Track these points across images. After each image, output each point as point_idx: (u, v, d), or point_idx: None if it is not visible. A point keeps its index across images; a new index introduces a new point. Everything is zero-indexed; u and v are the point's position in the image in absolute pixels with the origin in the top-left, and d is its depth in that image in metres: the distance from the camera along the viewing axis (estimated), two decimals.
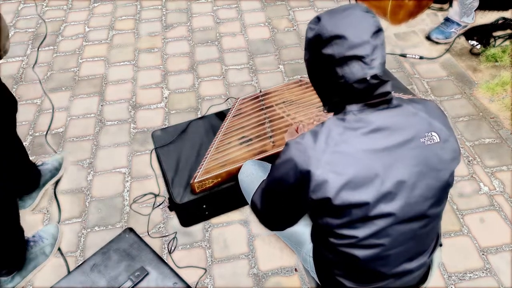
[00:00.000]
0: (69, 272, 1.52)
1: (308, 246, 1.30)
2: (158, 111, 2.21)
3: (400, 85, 2.08)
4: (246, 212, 1.77)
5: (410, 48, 2.51)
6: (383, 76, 1.00)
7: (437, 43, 2.53)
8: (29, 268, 1.57)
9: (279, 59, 2.47)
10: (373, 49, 0.97)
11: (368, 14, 1.00)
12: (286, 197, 1.09)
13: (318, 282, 1.32)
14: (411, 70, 2.38)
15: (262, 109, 1.87)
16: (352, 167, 0.97)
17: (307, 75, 1.14)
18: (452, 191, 1.80)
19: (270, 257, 1.62)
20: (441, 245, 1.35)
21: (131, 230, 1.29)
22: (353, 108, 1.01)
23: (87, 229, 1.74)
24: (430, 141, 1.02)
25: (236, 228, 1.73)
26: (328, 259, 1.15)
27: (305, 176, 0.99)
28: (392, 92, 1.04)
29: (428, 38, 2.56)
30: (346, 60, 0.96)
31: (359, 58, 0.96)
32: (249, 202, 1.49)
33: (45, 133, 2.10)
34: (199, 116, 2.13)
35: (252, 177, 1.45)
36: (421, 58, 2.44)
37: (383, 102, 1.02)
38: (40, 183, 1.80)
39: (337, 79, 0.99)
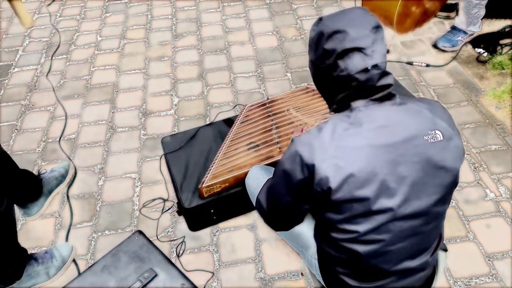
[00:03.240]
0: (79, 273, 1.56)
1: (314, 249, 1.32)
2: (167, 118, 2.25)
3: (407, 92, 2.11)
4: (253, 217, 1.80)
5: (417, 56, 2.54)
6: (385, 67, 1.04)
7: (443, 51, 2.55)
8: (27, 285, 1.57)
9: (286, 67, 2.51)
10: (373, 41, 1.01)
11: (368, 13, 1.05)
12: (291, 193, 1.11)
13: (324, 285, 1.34)
14: (418, 77, 2.40)
15: (269, 115, 1.90)
16: (355, 161, 0.99)
17: (313, 83, 1.17)
18: (458, 197, 1.81)
19: (277, 262, 1.65)
20: (446, 250, 1.36)
21: (140, 232, 1.32)
22: (358, 104, 1.04)
23: (98, 233, 1.78)
24: (434, 139, 1.04)
25: (244, 232, 1.75)
26: (331, 256, 1.17)
27: (310, 169, 1.01)
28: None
29: (435, 46, 2.58)
30: (348, 52, 1.00)
31: (360, 50, 1.00)
32: (254, 204, 1.52)
33: (58, 139, 2.16)
34: (208, 122, 2.17)
35: (259, 181, 1.47)
36: (427, 66, 2.46)
37: (387, 97, 1.05)
38: (43, 190, 1.83)
39: (340, 72, 1.02)
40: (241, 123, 1.90)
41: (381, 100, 1.05)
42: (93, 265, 1.27)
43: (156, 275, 1.21)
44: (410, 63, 2.48)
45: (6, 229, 1.47)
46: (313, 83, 2.07)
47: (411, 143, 1.02)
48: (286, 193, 1.12)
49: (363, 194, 1.00)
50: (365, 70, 1.01)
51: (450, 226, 1.71)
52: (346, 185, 0.99)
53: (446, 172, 1.06)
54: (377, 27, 1.03)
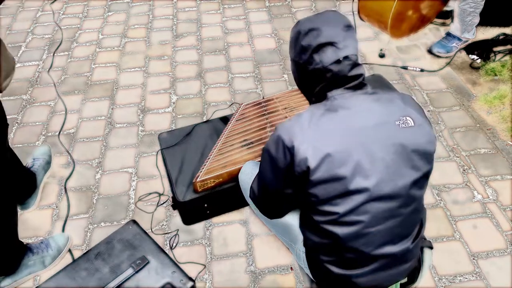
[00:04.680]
0: (74, 260, 1.60)
1: (302, 242, 1.36)
2: (165, 115, 2.30)
3: (389, 85, 2.15)
4: (246, 213, 1.84)
5: (411, 61, 2.59)
6: (356, 59, 1.14)
7: (438, 56, 2.60)
8: (23, 274, 1.60)
9: (283, 69, 2.56)
10: (344, 37, 1.13)
11: (340, 14, 1.18)
12: (277, 177, 1.17)
13: (312, 278, 1.38)
14: (412, 82, 2.45)
15: (264, 114, 1.95)
16: (331, 142, 1.08)
17: (294, 81, 1.27)
18: (446, 198, 1.85)
19: (267, 256, 1.69)
20: (431, 247, 1.40)
21: (134, 222, 1.36)
22: (333, 93, 1.14)
23: (94, 225, 1.82)
24: (405, 125, 1.12)
25: (236, 227, 1.79)
26: (315, 244, 1.22)
27: (291, 151, 1.09)
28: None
29: (430, 51, 2.63)
30: (322, 46, 1.12)
31: (332, 44, 1.11)
32: (246, 198, 1.56)
33: (57, 133, 2.20)
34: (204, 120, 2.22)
35: (251, 176, 1.52)
36: (422, 70, 2.51)
37: (359, 86, 1.15)
38: (37, 183, 1.87)
39: (316, 65, 1.13)
40: (236, 121, 1.94)
41: (354, 89, 1.15)
42: (87, 252, 1.31)
43: (148, 262, 1.25)
44: (405, 68, 2.53)
45: (7, 225, 1.50)
46: None
47: (383, 127, 1.11)
48: (273, 177, 1.18)
49: (340, 173, 1.07)
50: (338, 62, 1.11)
51: (438, 225, 1.75)
52: (324, 164, 1.07)
53: (418, 155, 1.12)
54: (348, 26, 1.15)
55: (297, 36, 1.16)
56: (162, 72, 2.56)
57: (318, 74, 1.15)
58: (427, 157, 1.15)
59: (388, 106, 1.14)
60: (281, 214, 1.35)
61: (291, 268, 1.64)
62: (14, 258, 1.58)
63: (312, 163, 1.07)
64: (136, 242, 1.30)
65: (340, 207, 1.11)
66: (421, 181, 1.16)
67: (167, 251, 1.69)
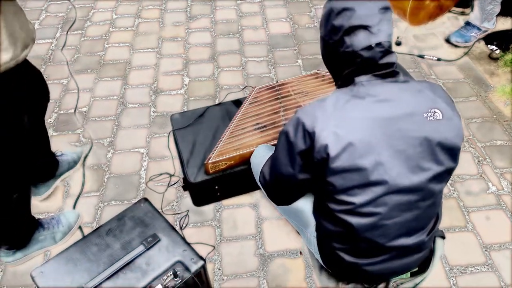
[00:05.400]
0: (85, 235, 1.61)
1: (313, 227, 1.35)
2: (178, 97, 2.29)
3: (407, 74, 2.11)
4: (256, 196, 1.83)
5: (428, 50, 2.54)
6: (389, 46, 1.07)
7: (456, 46, 2.55)
8: (34, 248, 1.61)
9: (298, 54, 2.53)
10: (380, 21, 1.05)
11: None
12: (293, 162, 1.13)
13: (322, 264, 1.37)
14: (428, 71, 2.41)
15: (278, 98, 1.92)
16: (355, 131, 1.03)
17: (324, 69, 1.21)
18: (460, 189, 1.83)
19: (277, 240, 1.68)
20: (444, 237, 1.38)
21: (146, 200, 1.36)
22: (361, 79, 1.09)
23: (104, 203, 1.82)
24: (433, 117, 1.07)
25: (246, 210, 1.79)
26: (329, 231, 1.20)
27: (311, 137, 1.05)
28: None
29: (448, 41, 2.58)
30: (354, 29, 1.05)
31: (365, 28, 1.04)
32: (258, 181, 1.55)
33: (69, 111, 2.20)
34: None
35: (263, 159, 1.50)
36: (438, 60, 2.46)
37: (390, 74, 1.09)
38: (56, 173, 1.84)
39: (346, 48, 1.07)
40: (249, 104, 1.92)
41: (384, 76, 1.09)
42: (98, 228, 1.31)
43: (159, 240, 1.25)
44: (421, 56, 2.48)
45: (22, 205, 1.51)
46: (323, 69, 2.09)
47: (410, 118, 1.06)
48: (289, 161, 1.15)
49: (361, 164, 1.03)
50: (369, 48, 1.06)
51: (450, 216, 1.73)
52: (345, 153, 1.03)
53: (443, 149, 1.08)
54: (386, 8, 1.07)
55: (329, 14, 1.10)
56: (175, 54, 2.54)
57: (347, 58, 1.09)
58: (453, 152, 1.10)
59: (417, 97, 1.09)
60: (290, 201, 1.33)
61: (300, 252, 1.64)
62: (26, 232, 1.59)
63: (333, 151, 1.03)
64: (147, 220, 1.30)
65: (358, 198, 1.08)
66: (443, 176, 1.12)
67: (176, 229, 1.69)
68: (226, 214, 1.77)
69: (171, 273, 1.17)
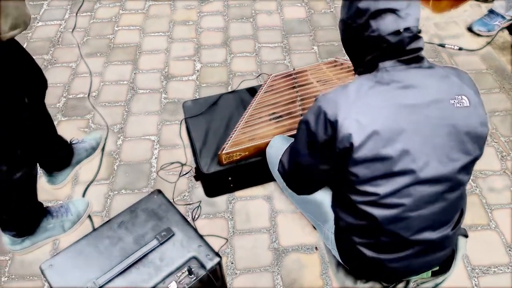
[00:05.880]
0: (94, 229, 1.57)
1: (331, 223, 1.30)
2: (189, 83, 2.22)
3: None
4: (270, 188, 1.77)
5: (449, 39, 2.44)
6: (417, 31, 1.02)
7: (478, 35, 2.44)
8: (42, 236, 1.57)
9: (313, 40, 2.44)
10: (408, 4, 1.00)
11: None
12: (313, 152, 1.10)
13: (339, 260, 1.32)
14: (449, 60, 2.32)
15: (295, 87, 1.85)
16: (380, 119, 0.99)
17: (344, 56, 1.15)
18: (482, 185, 1.76)
19: (291, 234, 1.63)
20: (467, 236, 1.33)
21: (159, 192, 1.31)
22: (385, 64, 1.04)
23: (114, 191, 1.78)
24: (460, 104, 1.03)
25: (259, 202, 1.73)
26: (349, 224, 1.15)
27: (333, 126, 1.01)
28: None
29: (470, 29, 2.47)
30: (381, 12, 1.00)
31: (393, 11, 0.99)
32: (273, 173, 1.50)
33: (78, 95, 2.15)
34: (229, 90, 2.14)
35: (280, 151, 1.44)
36: (460, 49, 2.36)
37: (415, 60, 1.05)
38: (72, 161, 1.79)
39: (371, 32, 1.01)
40: (264, 92, 1.85)
41: (409, 62, 1.04)
42: (110, 220, 1.26)
43: (173, 234, 1.20)
44: (442, 45, 2.39)
45: (26, 187, 1.47)
46: (341, 56, 2.01)
47: (437, 105, 1.01)
48: (309, 152, 1.11)
49: (386, 153, 0.99)
50: (397, 33, 1.01)
51: (473, 213, 1.66)
52: (370, 142, 0.99)
53: (471, 138, 1.04)
54: None
55: None
56: (186, 38, 2.47)
57: (372, 43, 1.04)
58: (479, 141, 1.06)
59: (443, 83, 1.04)
60: (310, 191, 1.29)
61: (316, 248, 1.59)
62: (33, 218, 1.55)
63: (356, 140, 0.99)
64: (161, 213, 1.25)
65: (382, 188, 1.03)
66: (469, 166, 1.08)
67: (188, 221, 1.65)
68: (239, 206, 1.72)
69: (185, 269, 1.13)
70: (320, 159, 1.11)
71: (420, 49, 1.05)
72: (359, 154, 1.00)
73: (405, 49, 1.03)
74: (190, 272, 1.11)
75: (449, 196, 1.07)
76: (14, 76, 1.24)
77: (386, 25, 1.00)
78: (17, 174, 1.37)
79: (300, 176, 1.22)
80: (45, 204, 1.62)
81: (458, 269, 1.49)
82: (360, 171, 1.03)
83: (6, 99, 1.24)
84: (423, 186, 1.03)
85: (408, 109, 1.00)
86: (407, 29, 1.00)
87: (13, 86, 1.24)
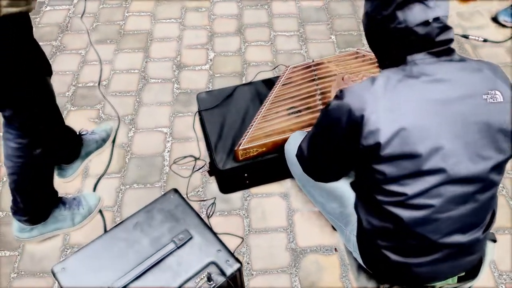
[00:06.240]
0: (105, 230, 1.52)
1: (354, 225, 1.25)
2: (202, 73, 2.14)
3: None
4: (287, 185, 1.71)
5: (473, 30, 2.34)
6: (446, 22, 0.97)
7: (504, 26, 2.34)
8: (51, 227, 1.53)
9: (331, 29, 2.35)
10: None
11: None
12: (335, 145, 1.05)
13: (361, 263, 1.27)
14: (473, 53, 2.22)
15: (314, 79, 1.77)
16: (408, 114, 0.94)
17: (364, 47, 1.08)
18: (509, 186, 1.69)
19: (310, 234, 1.57)
20: (495, 241, 1.26)
21: (176, 191, 1.25)
22: (414, 57, 0.98)
23: (126, 186, 1.72)
24: (493, 99, 0.97)
25: (276, 200, 1.67)
26: (373, 226, 1.09)
27: (358, 121, 0.96)
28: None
29: (495, 20, 2.37)
30: (408, 2, 0.94)
31: (421, 1, 0.94)
32: (292, 171, 1.45)
33: (88, 84, 2.08)
34: (244, 81, 2.06)
35: None
36: (485, 41, 2.27)
37: (446, 52, 0.99)
38: (81, 153, 1.73)
39: (398, 24, 0.96)
40: (282, 85, 1.78)
41: (439, 54, 0.98)
42: (124, 220, 1.21)
43: (191, 238, 1.14)
44: (465, 36, 2.29)
45: (44, 168, 1.44)
46: (363, 48, 1.93)
47: (469, 101, 0.96)
48: (330, 145, 1.06)
49: (415, 151, 0.94)
50: (426, 23, 0.95)
51: (499, 216, 1.58)
52: (397, 139, 0.94)
53: (504, 136, 0.98)
54: None
55: None
56: (199, 25, 2.38)
57: (399, 35, 0.98)
58: None
59: (475, 77, 0.98)
60: (329, 180, 1.23)
61: (335, 249, 1.53)
62: (47, 205, 1.52)
63: (383, 137, 0.94)
64: (178, 214, 1.19)
65: (410, 188, 0.98)
66: (502, 165, 1.02)
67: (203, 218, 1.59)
68: (255, 203, 1.66)
69: (204, 275, 1.07)
70: (343, 155, 1.07)
71: (451, 40, 0.99)
72: (386, 151, 0.95)
73: (434, 41, 0.97)
74: (209, 279, 1.06)
75: (480, 196, 1.02)
76: (24, 52, 1.22)
77: (414, 15, 0.94)
78: (37, 150, 1.35)
79: (319, 164, 1.17)
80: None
81: (484, 275, 1.43)
82: (387, 169, 0.98)
83: (28, 71, 1.22)
84: (453, 186, 0.98)
85: (439, 104, 0.95)
86: (436, 19, 0.95)
87: (26, 60, 1.22)
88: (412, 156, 0.95)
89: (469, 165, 0.97)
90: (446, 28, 0.97)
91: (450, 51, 1.00)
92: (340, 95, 1.01)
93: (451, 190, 0.98)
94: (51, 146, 1.44)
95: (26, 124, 1.31)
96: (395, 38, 0.99)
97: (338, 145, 1.05)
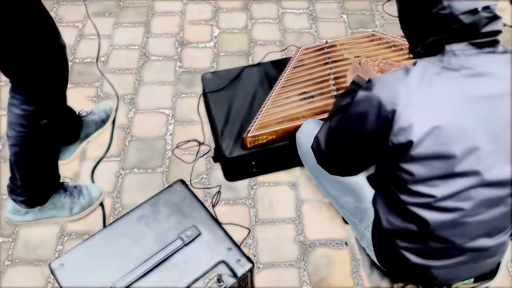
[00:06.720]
0: (104, 217, 1.45)
1: (370, 221, 1.19)
2: (206, 51, 2.03)
3: None
4: (295, 174, 1.63)
5: None
6: (496, 10, 0.89)
7: None
8: (47, 214, 1.45)
9: (342, 8, 2.22)
10: None
11: None
12: (360, 139, 0.98)
13: (375, 261, 1.21)
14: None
15: (328, 63, 1.67)
16: (445, 111, 0.87)
17: (378, 29, 0.98)
18: None
19: (319, 226, 1.51)
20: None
21: (183, 182, 1.17)
22: (454, 47, 0.89)
23: (126, 170, 1.64)
24: None
25: (284, 189, 1.60)
26: (394, 226, 1.03)
27: (389, 116, 0.88)
28: None
29: None
30: None
31: None
32: (305, 163, 1.38)
33: (85, 60, 1.96)
34: (251, 62, 1.95)
35: (312, 138, 1.30)
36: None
37: (490, 43, 0.90)
38: (80, 135, 1.63)
39: (441, 10, 0.87)
40: (294, 67, 1.67)
41: (482, 46, 0.89)
42: (128, 213, 1.13)
43: (199, 234, 1.07)
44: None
45: (49, 143, 1.36)
46: (378, 30, 1.82)
47: (511, 98, 0.88)
48: (353, 140, 0.99)
49: (449, 151, 0.87)
50: (473, 12, 0.86)
51: None
52: (430, 138, 0.87)
53: None
54: None
55: None
56: None
57: (440, 22, 0.89)
58: None
59: None
60: (345, 175, 1.15)
61: (346, 243, 1.47)
62: (47, 188, 1.43)
63: (415, 135, 0.87)
64: (184, 208, 1.11)
65: (439, 190, 0.92)
66: None
67: (208, 208, 1.52)
68: (261, 192, 1.59)
69: (213, 276, 1.01)
70: (367, 151, 0.99)
71: (499, 32, 0.90)
72: (418, 150, 0.88)
73: (479, 32, 0.88)
74: (219, 280, 0.99)
75: (511, 200, 0.96)
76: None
77: (462, 2, 0.85)
78: (43, 120, 1.26)
79: (338, 159, 1.10)
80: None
81: (501, 276, 1.39)
82: (416, 169, 0.91)
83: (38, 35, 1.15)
84: (486, 190, 0.92)
85: (479, 101, 0.88)
86: (486, 8, 0.86)
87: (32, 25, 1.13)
88: (445, 157, 0.88)
89: (505, 167, 0.91)
90: (495, 18, 0.88)
91: (495, 43, 0.91)
92: (369, 86, 0.93)
93: (483, 193, 0.92)
94: (57, 119, 1.35)
95: (34, 90, 1.22)
96: (435, 25, 0.90)
97: (363, 141, 0.98)
